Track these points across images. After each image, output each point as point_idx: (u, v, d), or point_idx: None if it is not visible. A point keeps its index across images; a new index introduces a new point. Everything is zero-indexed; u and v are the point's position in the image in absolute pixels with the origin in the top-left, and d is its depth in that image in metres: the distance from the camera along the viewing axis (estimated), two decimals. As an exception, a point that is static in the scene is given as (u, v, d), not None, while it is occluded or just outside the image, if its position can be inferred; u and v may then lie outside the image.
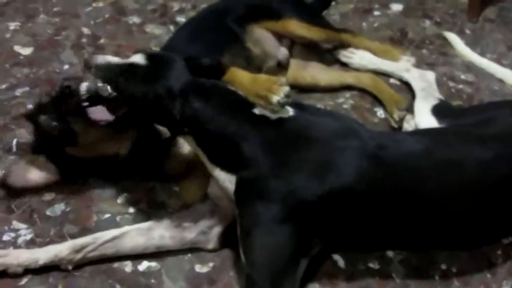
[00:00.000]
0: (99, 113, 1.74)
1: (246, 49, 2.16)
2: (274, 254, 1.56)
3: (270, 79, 1.60)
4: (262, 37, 2.22)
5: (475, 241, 1.79)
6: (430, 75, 2.25)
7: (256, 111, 1.60)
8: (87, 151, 1.86)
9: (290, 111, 1.62)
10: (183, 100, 1.59)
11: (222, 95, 1.63)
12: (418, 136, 1.72)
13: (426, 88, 2.18)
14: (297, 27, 2.25)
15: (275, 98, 1.55)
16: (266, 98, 1.57)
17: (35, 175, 1.91)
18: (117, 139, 1.85)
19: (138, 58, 1.66)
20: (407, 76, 2.27)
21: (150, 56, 1.67)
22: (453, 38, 2.47)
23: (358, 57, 2.36)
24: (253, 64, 2.14)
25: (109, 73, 1.65)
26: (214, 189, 1.74)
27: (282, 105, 1.56)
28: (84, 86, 1.76)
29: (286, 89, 1.56)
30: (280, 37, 2.27)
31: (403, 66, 2.29)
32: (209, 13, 2.28)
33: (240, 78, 1.68)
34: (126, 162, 1.87)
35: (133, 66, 1.64)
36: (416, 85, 2.21)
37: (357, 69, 2.36)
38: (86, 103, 1.76)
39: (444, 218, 1.65)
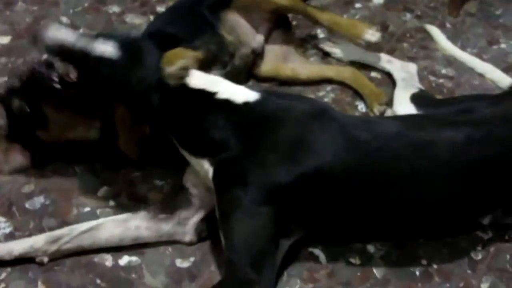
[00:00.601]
0: None
1: (219, 36, 2.14)
2: (253, 236, 1.56)
3: (177, 53, 1.64)
4: (237, 24, 2.20)
5: (449, 227, 1.80)
6: (412, 67, 2.26)
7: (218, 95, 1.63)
8: (58, 135, 1.88)
9: (255, 95, 1.65)
10: (157, 93, 1.61)
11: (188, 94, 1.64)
12: (392, 120, 1.75)
13: (406, 78, 2.18)
14: None
15: (168, 69, 1.58)
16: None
17: (11, 163, 1.91)
18: (87, 123, 1.87)
19: (110, 48, 1.64)
20: (388, 67, 2.27)
21: (124, 47, 1.65)
22: (435, 31, 2.47)
23: (341, 47, 2.36)
24: (225, 51, 2.13)
25: (71, 55, 1.64)
26: (190, 177, 1.75)
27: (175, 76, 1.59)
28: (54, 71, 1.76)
29: (181, 62, 1.60)
30: (256, 24, 2.25)
31: (384, 57, 2.30)
32: (184, 1, 2.27)
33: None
34: (97, 146, 1.90)
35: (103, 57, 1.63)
36: (397, 75, 2.21)
37: (338, 62, 2.35)
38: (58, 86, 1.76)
39: (418, 200, 1.65)
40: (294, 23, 2.42)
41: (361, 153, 1.60)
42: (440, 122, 1.71)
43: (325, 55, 2.40)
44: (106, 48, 1.62)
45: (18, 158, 1.93)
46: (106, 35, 1.67)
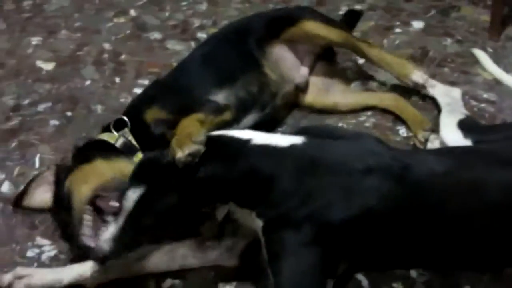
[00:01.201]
0: None
1: (262, 75, 2.11)
2: (302, 276, 1.55)
3: (192, 131, 1.57)
4: (281, 58, 2.18)
5: (497, 264, 1.76)
6: (456, 92, 2.23)
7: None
8: None
9: (299, 140, 1.62)
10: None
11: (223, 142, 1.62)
12: (441, 156, 1.71)
13: (451, 103, 2.16)
14: (314, 26, 2.19)
15: (178, 154, 1.50)
16: (172, 148, 1.53)
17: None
18: None
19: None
20: (432, 92, 2.25)
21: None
22: (482, 55, 2.45)
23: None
24: (267, 90, 2.10)
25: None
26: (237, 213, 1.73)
27: (183, 163, 1.52)
28: None
29: (195, 148, 1.52)
30: (301, 56, 2.23)
31: (429, 83, 2.26)
32: (228, 33, 2.24)
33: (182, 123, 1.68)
34: None
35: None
36: (442, 100, 2.19)
37: (379, 87, 2.35)
38: None
39: (465, 239, 1.62)
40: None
41: (410, 195, 1.57)
42: (489, 159, 1.67)
43: (367, 80, 2.39)
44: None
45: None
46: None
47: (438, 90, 2.24)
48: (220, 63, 2.09)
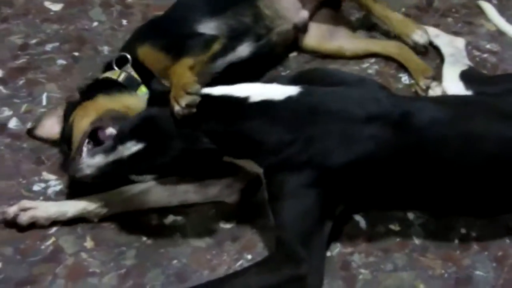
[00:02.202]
0: None
1: (255, 7, 2.11)
2: (302, 216, 1.59)
3: (186, 83, 1.61)
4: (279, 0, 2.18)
5: (490, 211, 1.79)
6: (460, 42, 2.24)
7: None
8: None
9: (294, 91, 1.63)
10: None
11: (223, 100, 1.64)
12: (442, 105, 1.72)
13: (455, 54, 2.18)
14: None
15: (176, 108, 1.56)
16: (173, 97, 1.58)
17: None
18: None
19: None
20: (436, 41, 2.26)
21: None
22: (487, 6, 2.45)
23: None
24: (261, 23, 2.10)
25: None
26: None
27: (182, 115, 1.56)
28: None
29: (190, 98, 1.56)
30: (304, 0, 2.23)
31: (433, 31, 2.28)
32: None
33: (175, 72, 1.71)
34: None
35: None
36: (445, 50, 2.21)
37: (384, 36, 2.35)
38: None
39: (460, 186, 1.66)
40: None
41: (409, 142, 1.59)
42: (489, 111, 1.69)
43: (372, 29, 2.39)
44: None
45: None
46: None
47: (441, 40, 2.25)
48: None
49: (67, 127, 1.80)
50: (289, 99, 1.62)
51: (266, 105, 1.61)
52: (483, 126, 1.64)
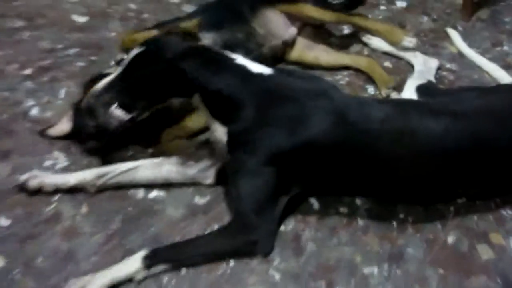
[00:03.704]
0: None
1: (249, 28, 2.29)
2: (256, 190, 1.75)
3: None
4: (271, 20, 2.35)
5: (425, 199, 1.93)
6: (433, 62, 2.42)
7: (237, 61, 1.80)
8: None
9: (269, 70, 1.80)
10: (189, 64, 1.76)
11: (210, 56, 1.80)
12: (382, 104, 1.85)
13: (423, 71, 2.34)
14: (311, 10, 2.38)
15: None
16: None
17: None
18: None
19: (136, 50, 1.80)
20: (413, 60, 2.43)
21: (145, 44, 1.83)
22: (453, 34, 2.62)
23: (377, 40, 2.54)
24: (254, 40, 2.29)
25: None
26: (213, 136, 1.92)
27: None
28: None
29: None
30: (293, 18, 2.40)
31: (411, 52, 2.46)
32: None
33: None
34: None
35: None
36: (417, 68, 2.38)
37: (357, 52, 2.52)
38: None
39: (395, 176, 1.79)
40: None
41: (347, 131, 1.73)
42: (423, 110, 1.80)
43: (345, 47, 2.56)
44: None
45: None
46: None
47: (417, 60, 2.43)
48: (211, 13, 2.31)
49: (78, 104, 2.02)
50: (261, 74, 1.78)
51: (245, 70, 1.78)
52: (415, 121, 1.76)
